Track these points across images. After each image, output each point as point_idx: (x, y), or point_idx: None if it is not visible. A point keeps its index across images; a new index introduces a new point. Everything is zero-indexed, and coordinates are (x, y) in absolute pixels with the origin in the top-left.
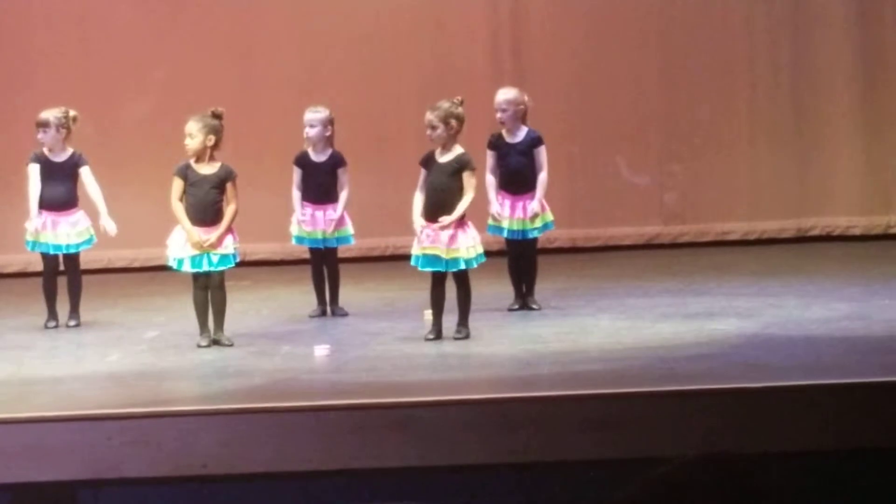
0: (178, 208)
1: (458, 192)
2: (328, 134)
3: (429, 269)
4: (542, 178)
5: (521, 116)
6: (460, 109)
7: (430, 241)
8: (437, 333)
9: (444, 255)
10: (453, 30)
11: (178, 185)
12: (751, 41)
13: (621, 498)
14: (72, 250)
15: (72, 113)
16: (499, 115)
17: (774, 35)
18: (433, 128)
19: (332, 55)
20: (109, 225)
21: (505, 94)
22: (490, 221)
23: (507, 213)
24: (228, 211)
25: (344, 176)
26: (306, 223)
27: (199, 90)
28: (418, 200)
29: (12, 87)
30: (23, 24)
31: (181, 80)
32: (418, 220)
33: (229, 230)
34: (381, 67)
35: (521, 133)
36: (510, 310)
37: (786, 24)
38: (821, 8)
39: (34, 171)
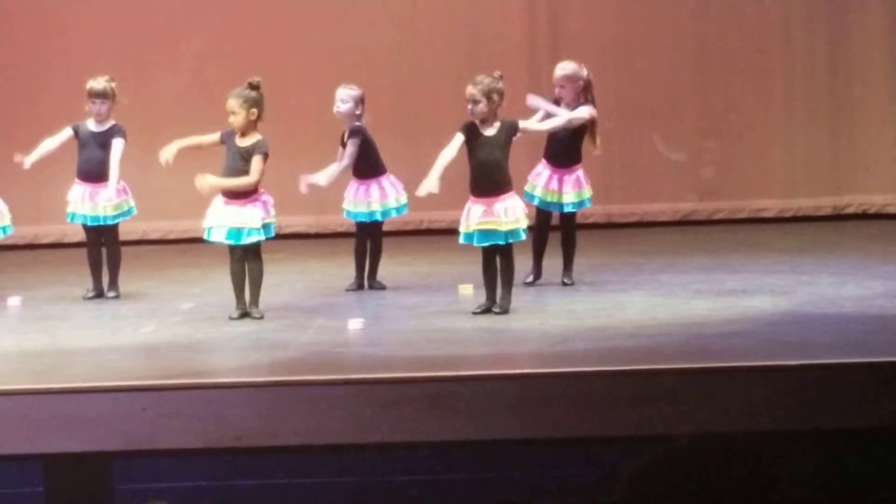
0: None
1: (507, 165)
2: (358, 112)
3: (486, 244)
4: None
5: (579, 92)
6: (501, 84)
7: (485, 216)
8: (488, 308)
9: (503, 228)
10: (490, 4)
11: (215, 142)
12: (787, 18)
13: (632, 469)
14: (109, 222)
15: (114, 82)
16: (557, 90)
17: (811, 12)
18: (475, 102)
19: (368, 27)
20: (110, 193)
21: (563, 70)
22: (526, 188)
23: (542, 182)
24: (241, 178)
25: (352, 147)
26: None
27: (235, 62)
28: (445, 159)
29: (47, 59)
30: None
31: (217, 52)
32: (434, 179)
33: (250, 199)
34: (416, 42)
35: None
36: (525, 283)
37: (822, 2)
38: None
39: (65, 133)
